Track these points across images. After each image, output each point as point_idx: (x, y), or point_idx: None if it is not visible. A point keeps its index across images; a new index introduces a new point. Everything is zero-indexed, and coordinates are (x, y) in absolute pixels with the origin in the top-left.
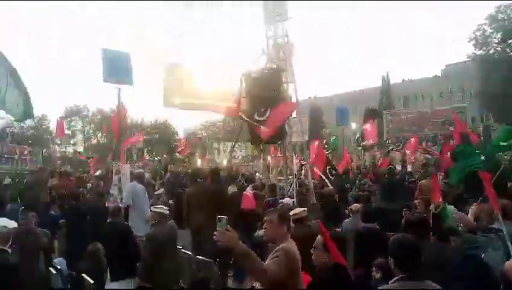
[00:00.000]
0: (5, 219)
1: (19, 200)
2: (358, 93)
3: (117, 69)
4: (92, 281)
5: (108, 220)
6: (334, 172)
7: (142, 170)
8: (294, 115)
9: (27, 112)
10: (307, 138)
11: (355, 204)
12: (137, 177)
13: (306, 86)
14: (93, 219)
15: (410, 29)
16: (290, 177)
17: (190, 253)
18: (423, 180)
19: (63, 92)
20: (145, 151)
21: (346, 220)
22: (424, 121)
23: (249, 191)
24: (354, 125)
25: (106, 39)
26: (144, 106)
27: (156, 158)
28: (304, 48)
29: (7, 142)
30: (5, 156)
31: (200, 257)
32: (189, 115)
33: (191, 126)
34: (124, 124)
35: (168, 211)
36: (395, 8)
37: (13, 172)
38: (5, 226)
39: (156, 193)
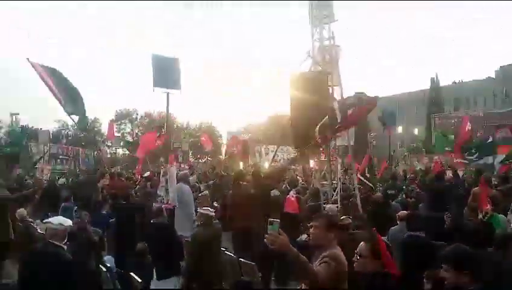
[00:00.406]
0: (61, 217)
1: (73, 200)
2: (406, 96)
3: (166, 75)
4: (139, 280)
5: (152, 221)
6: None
7: (187, 172)
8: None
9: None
10: (352, 142)
11: (402, 211)
12: (182, 179)
13: (349, 88)
14: (141, 219)
15: (458, 29)
16: (334, 182)
17: (233, 255)
18: (475, 188)
19: (113, 96)
20: (190, 154)
21: (392, 228)
22: (476, 124)
23: (292, 195)
24: (400, 129)
25: (155, 43)
26: (189, 109)
27: (200, 160)
28: (347, 49)
29: (62, 143)
30: (60, 157)
31: (243, 260)
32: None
33: (233, 129)
34: (171, 128)
35: (213, 213)
36: (442, 6)
37: (68, 172)
38: (61, 224)
39: (200, 194)
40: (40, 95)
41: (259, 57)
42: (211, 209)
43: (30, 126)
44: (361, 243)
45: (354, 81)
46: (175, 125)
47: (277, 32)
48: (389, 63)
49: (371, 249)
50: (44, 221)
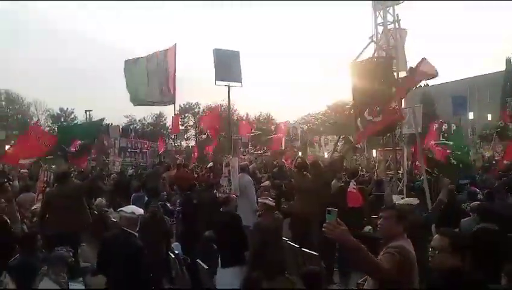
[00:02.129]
0: (133, 206)
1: (142, 190)
2: (479, 79)
3: (228, 69)
4: (206, 267)
5: (221, 209)
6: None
7: (246, 162)
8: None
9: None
10: (420, 130)
11: (475, 202)
12: (243, 169)
13: None
14: (205, 208)
15: None
16: (399, 172)
17: (295, 245)
18: None
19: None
20: (249, 145)
21: (464, 220)
22: None
23: (352, 187)
24: (471, 115)
25: (214, 36)
26: (249, 100)
27: (259, 151)
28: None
29: (131, 137)
30: (129, 150)
31: (306, 250)
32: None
33: (292, 119)
34: (232, 120)
35: (274, 203)
36: None
37: (137, 164)
38: (133, 213)
39: (262, 184)
40: (111, 93)
41: (318, 45)
42: (271, 199)
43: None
44: (436, 236)
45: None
46: (235, 118)
47: (336, 18)
48: (459, 44)
49: (451, 243)
50: (118, 210)
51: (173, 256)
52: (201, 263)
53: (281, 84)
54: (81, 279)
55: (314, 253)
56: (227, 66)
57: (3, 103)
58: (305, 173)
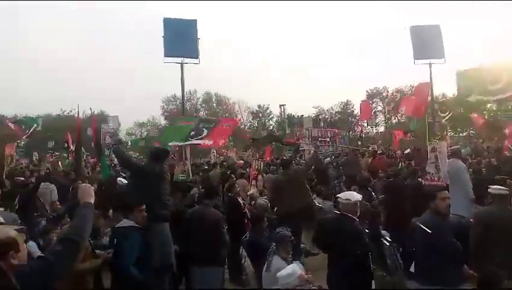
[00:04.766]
0: (348, 192)
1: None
2: None
3: (426, 45)
4: None
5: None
6: None
7: (458, 146)
8: None
9: None
10: None
11: None
12: (454, 154)
13: None
14: (408, 196)
15: None
16: None
17: None
18: None
19: (363, 77)
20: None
21: None
22: None
23: None
24: None
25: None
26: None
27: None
28: None
29: (320, 127)
30: (319, 139)
31: None
32: None
33: None
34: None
35: (508, 191)
36: None
37: (331, 153)
38: (348, 199)
39: None
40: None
41: None
42: (503, 188)
43: (295, 115)
44: None
45: None
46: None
47: None
48: None
49: None
50: (336, 196)
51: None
52: None
53: None
54: (299, 259)
55: None
56: (426, 42)
57: (214, 104)
58: None
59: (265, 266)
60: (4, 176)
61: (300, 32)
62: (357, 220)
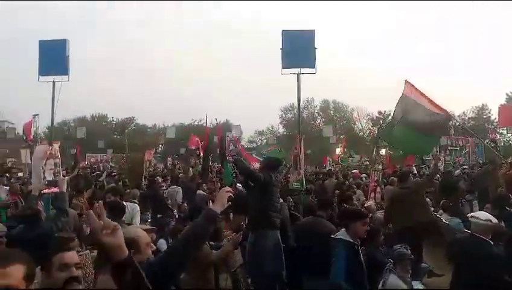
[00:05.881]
0: (488, 214)
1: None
2: None
3: None
4: None
5: None
6: None
7: None
8: None
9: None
10: None
11: None
12: None
13: None
14: None
15: None
16: None
17: None
18: None
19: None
20: None
21: None
22: None
23: None
24: None
25: None
26: None
27: None
28: None
29: (451, 135)
30: (449, 148)
31: None
32: None
33: None
34: None
35: None
36: None
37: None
38: (489, 220)
39: None
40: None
41: None
42: None
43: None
44: None
45: None
46: None
47: None
48: None
49: None
50: (470, 215)
51: None
52: None
53: None
54: (420, 279)
55: None
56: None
57: (331, 112)
58: None
59: (381, 283)
60: (143, 180)
61: None
62: (491, 242)
